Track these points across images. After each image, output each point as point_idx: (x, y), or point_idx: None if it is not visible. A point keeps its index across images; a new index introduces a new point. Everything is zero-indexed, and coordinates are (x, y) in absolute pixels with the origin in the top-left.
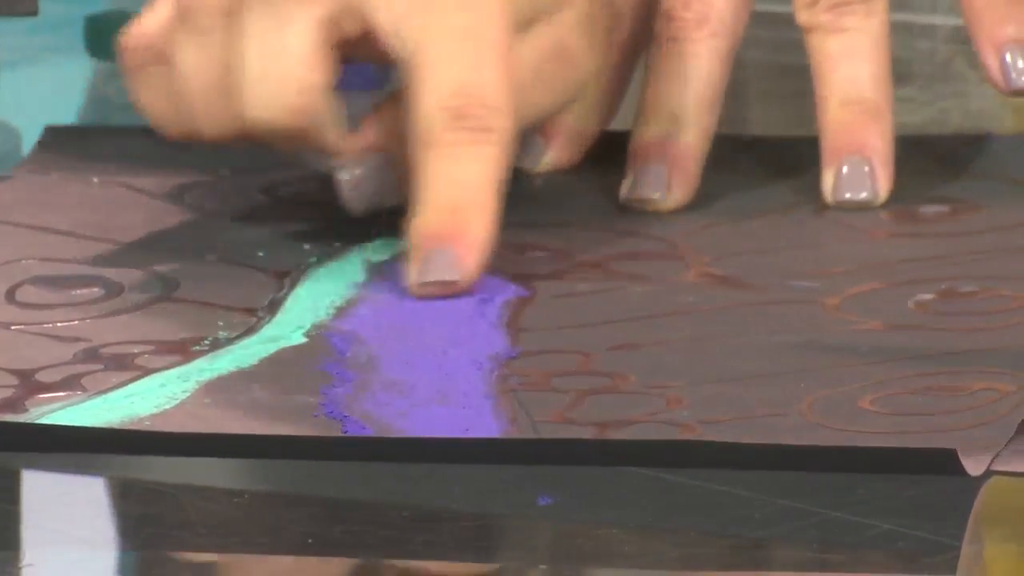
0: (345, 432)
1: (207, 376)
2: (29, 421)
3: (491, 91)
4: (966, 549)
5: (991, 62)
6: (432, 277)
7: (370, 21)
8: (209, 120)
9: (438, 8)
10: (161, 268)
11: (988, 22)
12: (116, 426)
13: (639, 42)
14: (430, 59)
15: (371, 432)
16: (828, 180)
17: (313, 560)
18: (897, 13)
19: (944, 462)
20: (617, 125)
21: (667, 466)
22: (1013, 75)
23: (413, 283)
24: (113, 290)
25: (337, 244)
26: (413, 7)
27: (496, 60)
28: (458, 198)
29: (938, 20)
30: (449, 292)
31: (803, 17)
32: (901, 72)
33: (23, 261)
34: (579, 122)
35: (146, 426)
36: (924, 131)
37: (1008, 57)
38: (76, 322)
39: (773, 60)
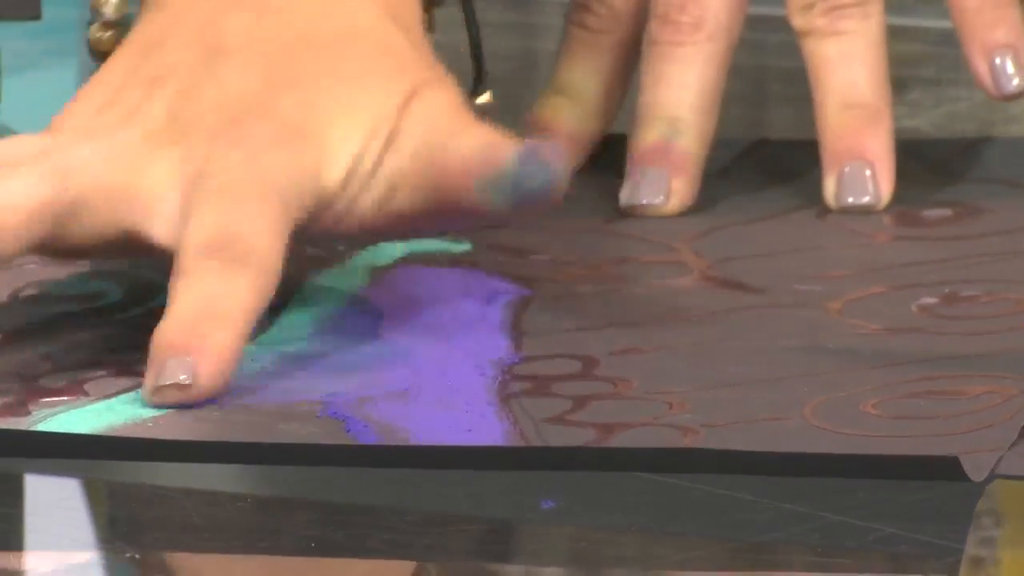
0: (348, 432)
1: None
2: (32, 425)
3: (250, 233)
4: (968, 553)
5: (981, 67)
6: (167, 380)
7: (139, 231)
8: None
9: (210, 175)
10: (161, 275)
11: (977, 27)
12: (119, 430)
13: (638, 44)
14: (197, 211)
15: (374, 432)
16: (830, 185)
17: (316, 563)
18: (897, 16)
19: (947, 469)
20: (617, 127)
21: (669, 472)
22: (1003, 80)
23: (147, 391)
24: (117, 295)
25: (340, 248)
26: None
27: (261, 209)
28: (202, 311)
29: (938, 23)
30: (184, 397)
31: (798, 21)
32: (903, 76)
33: (27, 266)
34: (580, 125)
35: (149, 430)
36: (926, 135)
37: (998, 61)
38: (79, 327)
39: (770, 64)
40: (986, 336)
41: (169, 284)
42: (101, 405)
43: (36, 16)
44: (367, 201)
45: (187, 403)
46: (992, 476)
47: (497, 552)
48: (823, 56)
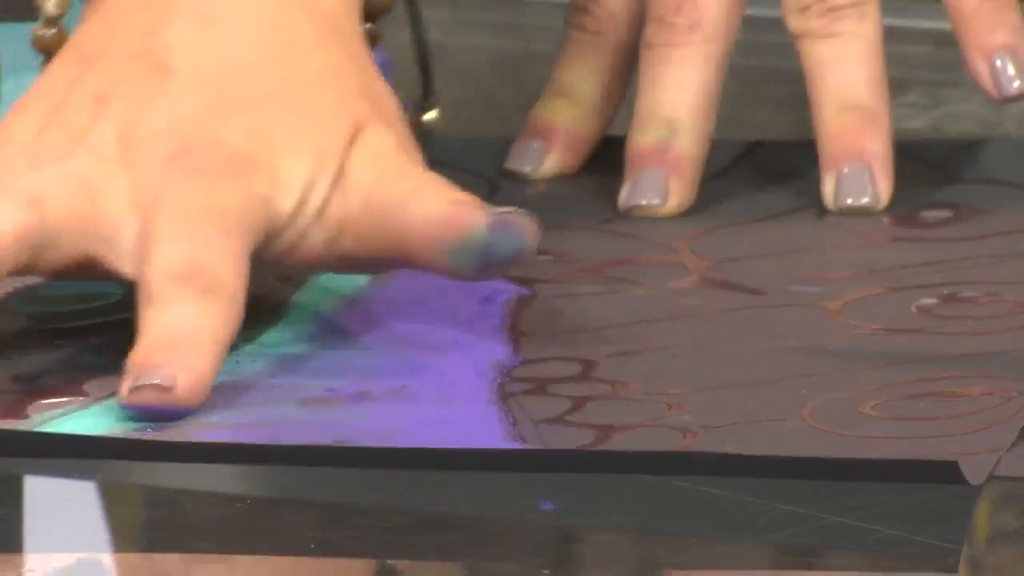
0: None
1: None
2: (32, 426)
3: (214, 263)
4: (968, 554)
5: (981, 69)
6: (145, 381)
7: (100, 258)
8: None
9: (166, 203)
10: None
11: (977, 29)
12: (118, 431)
13: (636, 46)
14: (157, 240)
15: (372, 437)
16: (828, 187)
17: (316, 564)
18: (896, 18)
19: (945, 472)
20: (617, 130)
21: (668, 474)
22: (1003, 82)
23: (123, 394)
24: (116, 296)
25: None
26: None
27: (222, 238)
28: (176, 338)
29: (938, 24)
30: (162, 399)
31: (794, 23)
32: (901, 77)
33: None
34: (580, 126)
35: (149, 431)
36: (925, 136)
37: (998, 64)
38: (79, 327)
39: (766, 65)
40: (985, 337)
41: (138, 314)
42: (101, 406)
43: (34, 18)
44: (316, 237)
45: (162, 408)
46: (991, 478)
47: (497, 553)
48: (820, 58)
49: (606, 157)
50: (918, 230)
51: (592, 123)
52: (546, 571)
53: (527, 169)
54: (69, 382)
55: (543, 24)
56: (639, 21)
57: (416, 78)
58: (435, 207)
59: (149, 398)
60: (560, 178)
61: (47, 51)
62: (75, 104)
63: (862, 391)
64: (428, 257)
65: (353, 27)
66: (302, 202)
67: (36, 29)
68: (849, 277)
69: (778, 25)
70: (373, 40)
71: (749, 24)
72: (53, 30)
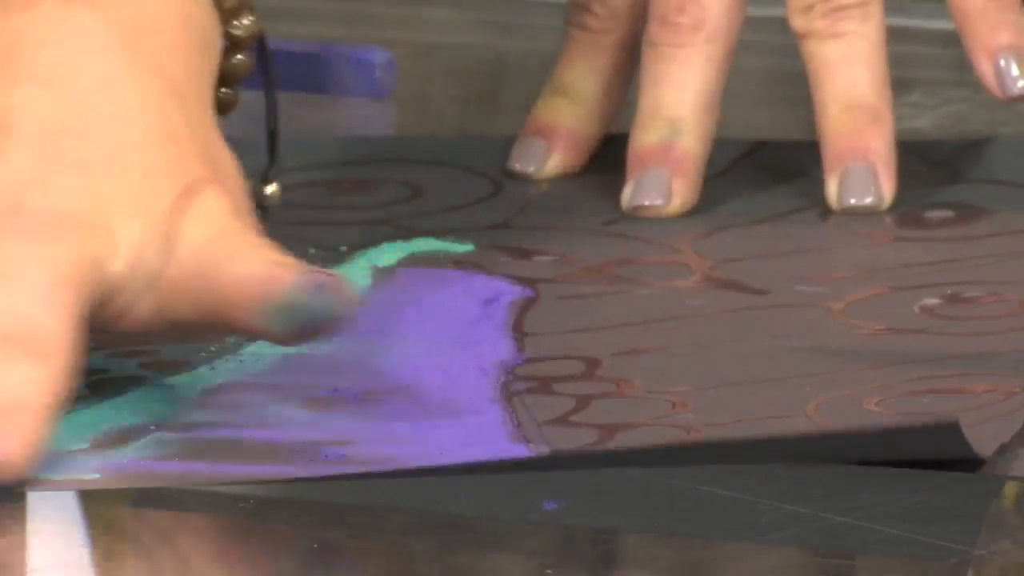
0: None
1: (215, 382)
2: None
3: (42, 322)
4: (973, 554)
5: (986, 69)
6: None
7: None
8: None
9: None
10: None
11: (981, 29)
12: (120, 432)
13: (637, 45)
14: None
15: (376, 442)
16: (832, 187)
17: (318, 565)
18: (900, 18)
19: (950, 442)
20: (620, 129)
21: (671, 465)
22: (1008, 81)
23: None
24: None
25: (343, 249)
26: None
27: (51, 298)
28: (2, 401)
29: (941, 24)
30: None
31: (798, 23)
32: (904, 77)
33: None
34: (581, 125)
35: (152, 432)
36: (928, 136)
37: (1002, 63)
38: None
39: (769, 65)
40: (988, 337)
41: None
42: (103, 406)
43: None
44: (146, 301)
45: None
46: (1004, 478)
47: (500, 553)
48: (824, 58)
49: (608, 156)
50: (921, 230)
51: (594, 122)
52: (549, 571)
53: (529, 169)
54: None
55: (543, 24)
56: (640, 19)
57: (263, 148)
58: (250, 268)
59: None
60: (562, 178)
61: None
62: None
63: (865, 389)
64: (244, 318)
65: (197, 92)
66: (134, 264)
67: None
68: (852, 277)
69: (780, 25)
70: (227, 106)
71: (750, 24)
72: None
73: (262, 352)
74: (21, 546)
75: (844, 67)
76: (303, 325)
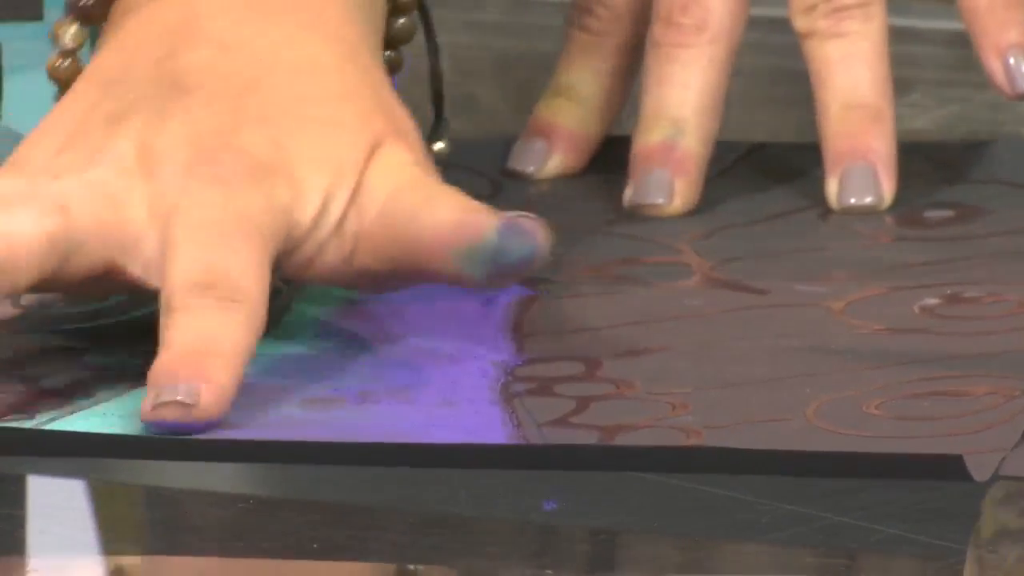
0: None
1: None
2: (36, 426)
3: (237, 271)
4: (971, 554)
5: (995, 67)
6: (168, 398)
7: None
8: None
9: (188, 211)
10: None
11: (990, 27)
12: (120, 432)
13: (639, 46)
14: (180, 247)
15: (375, 438)
16: (832, 186)
17: (318, 565)
18: (900, 18)
19: (951, 468)
20: (621, 130)
21: (672, 471)
22: (1018, 79)
23: (146, 406)
24: (118, 299)
25: None
26: (165, 223)
27: (245, 246)
28: (200, 348)
29: (941, 24)
30: (184, 417)
31: (800, 22)
32: (906, 77)
33: None
34: (582, 126)
35: (153, 432)
36: (929, 136)
37: (1012, 61)
38: (84, 328)
39: (771, 65)
40: (988, 337)
41: (160, 321)
42: (107, 406)
43: (37, 16)
44: (333, 250)
45: (185, 424)
46: (996, 477)
47: (499, 553)
48: (826, 57)
49: (609, 157)
50: (921, 230)
51: (595, 123)
52: (549, 571)
53: (530, 169)
54: (74, 383)
55: (543, 24)
56: (642, 21)
57: (428, 107)
58: (445, 215)
59: (171, 415)
60: (563, 178)
61: (62, 82)
62: (92, 126)
63: (865, 390)
64: (438, 266)
65: (369, 52)
66: (321, 214)
67: (51, 60)
68: (852, 277)
69: (781, 25)
70: (394, 68)
71: (752, 24)
72: (68, 61)
73: (261, 352)
74: (22, 547)
75: (846, 67)
76: (499, 268)
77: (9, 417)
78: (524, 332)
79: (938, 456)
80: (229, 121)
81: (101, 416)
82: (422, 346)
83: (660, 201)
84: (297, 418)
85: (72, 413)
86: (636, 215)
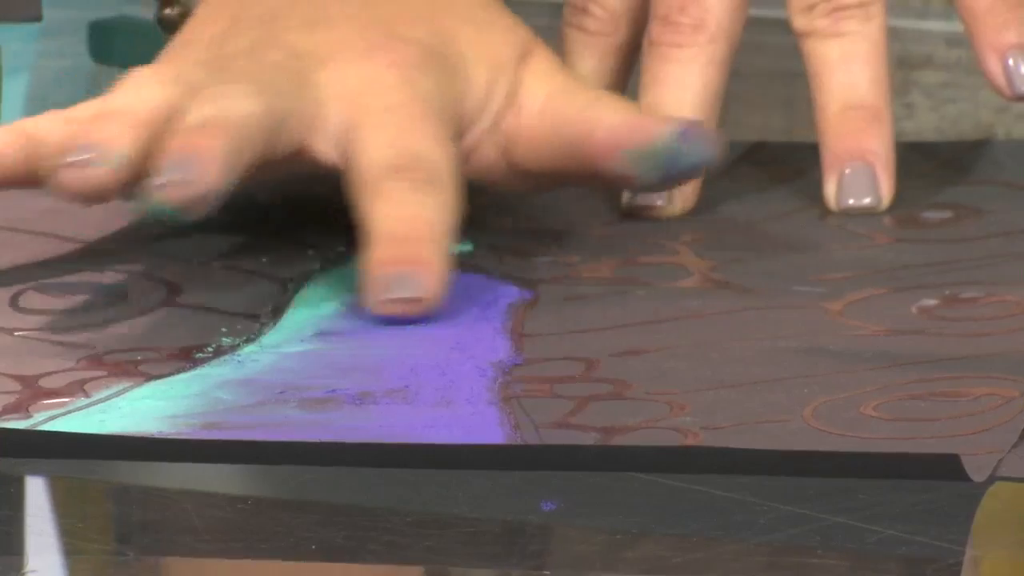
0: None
1: (210, 382)
2: (32, 427)
3: (429, 153)
4: (969, 555)
5: (994, 68)
6: (396, 294)
7: (305, 138)
8: None
9: (371, 94)
10: (164, 273)
11: (989, 28)
12: (119, 432)
13: (636, 46)
14: (368, 129)
15: (374, 437)
16: (831, 187)
17: (317, 565)
18: (899, 18)
19: (948, 468)
20: None
21: (670, 472)
22: (1017, 81)
23: (376, 300)
24: (116, 296)
25: (341, 250)
26: (349, 114)
27: (432, 129)
28: (408, 232)
29: (941, 25)
30: (413, 310)
31: (799, 22)
32: (904, 78)
33: (26, 267)
34: None
35: (152, 432)
36: (927, 137)
37: (1011, 62)
38: (79, 328)
39: (770, 65)
40: (986, 338)
41: (359, 205)
42: (101, 407)
43: (36, 17)
44: (490, 144)
45: (413, 317)
46: (994, 477)
47: (497, 554)
48: (824, 58)
49: None
50: (919, 231)
51: None
52: (547, 572)
53: None
54: (70, 383)
55: (543, 24)
56: (639, 21)
57: None
58: (618, 115)
59: (402, 310)
60: None
61: (173, 25)
62: (245, 23)
63: (863, 392)
64: (609, 164)
65: None
66: (483, 105)
67: (158, 11)
68: (850, 278)
69: (780, 25)
70: None
71: (752, 24)
72: (176, 8)
73: (261, 352)
74: (20, 548)
75: (844, 67)
76: (672, 172)
77: (7, 417)
78: (523, 333)
79: (936, 457)
80: (392, 15)
81: (100, 416)
82: (420, 347)
83: (659, 202)
84: (295, 419)
85: (67, 413)
86: (635, 216)
